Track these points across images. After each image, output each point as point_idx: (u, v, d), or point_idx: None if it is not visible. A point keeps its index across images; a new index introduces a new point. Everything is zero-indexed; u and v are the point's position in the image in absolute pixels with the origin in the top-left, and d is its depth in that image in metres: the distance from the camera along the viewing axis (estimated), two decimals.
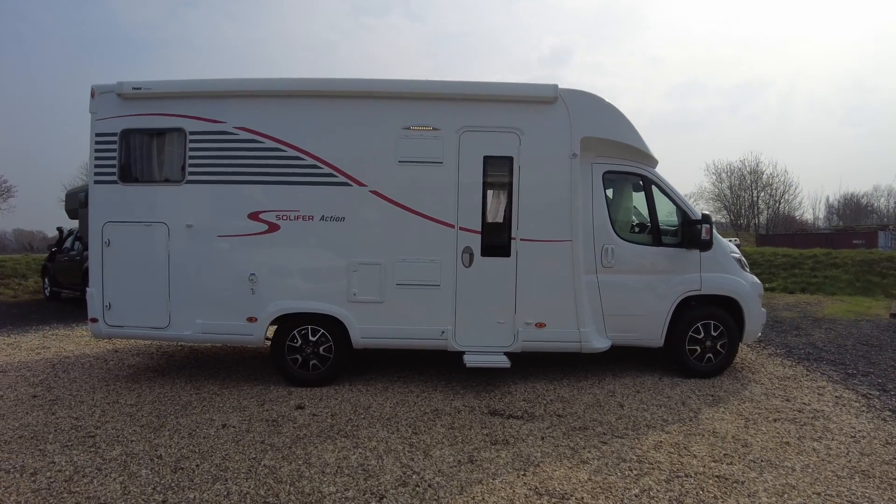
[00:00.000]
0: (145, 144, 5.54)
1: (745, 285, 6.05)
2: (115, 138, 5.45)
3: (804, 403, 5.18)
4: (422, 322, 5.42)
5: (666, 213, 6.06)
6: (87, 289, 5.54)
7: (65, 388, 5.50)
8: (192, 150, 5.38)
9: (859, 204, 55.27)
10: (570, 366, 6.27)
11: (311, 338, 5.45)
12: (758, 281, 6.26)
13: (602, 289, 5.70)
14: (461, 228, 5.39)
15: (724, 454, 3.99)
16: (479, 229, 5.41)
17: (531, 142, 5.41)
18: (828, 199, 49.80)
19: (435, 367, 6.25)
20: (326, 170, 5.33)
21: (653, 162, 6.12)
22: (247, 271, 5.37)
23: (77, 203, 9.24)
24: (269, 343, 5.54)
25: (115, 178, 5.46)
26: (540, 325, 5.49)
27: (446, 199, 5.39)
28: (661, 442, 4.22)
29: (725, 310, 5.96)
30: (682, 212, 5.93)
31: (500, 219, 5.48)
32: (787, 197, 35.57)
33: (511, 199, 5.44)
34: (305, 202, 5.35)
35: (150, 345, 7.51)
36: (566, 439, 4.24)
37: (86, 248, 8.38)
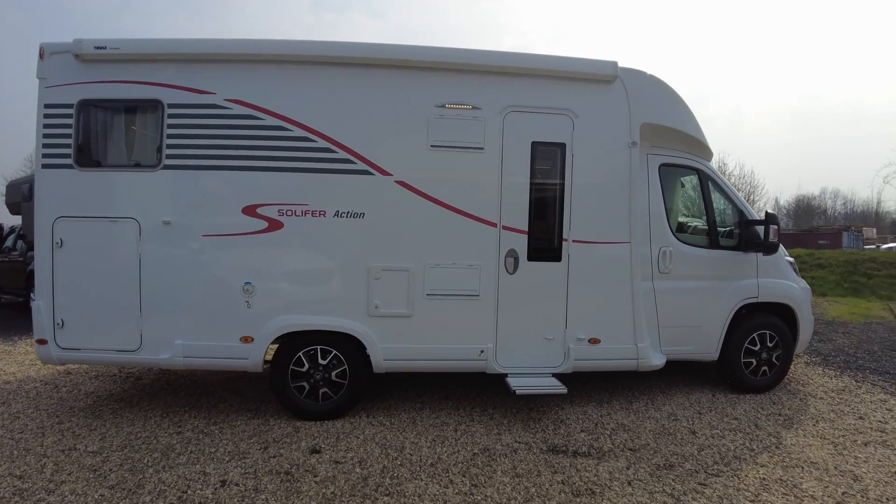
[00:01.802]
0: (110, 120, 4.40)
1: (799, 291, 5.51)
2: (71, 111, 4.29)
3: (881, 421, 4.80)
4: (457, 340, 4.53)
5: (719, 213, 5.42)
6: (33, 300, 4.37)
7: (3, 430, 4.30)
8: (171, 127, 4.29)
9: (810, 205, 57.65)
10: (604, 381, 5.51)
11: (320, 361, 4.46)
12: (808, 286, 5.72)
13: (658, 297, 4.98)
14: (504, 228, 4.53)
15: (843, 492, 3.48)
16: (526, 229, 4.56)
17: (586, 127, 4.61)
18: (777, 202, 51.68)
19: (460, 387, 5.36)
20: (342, 154, 4.35)
21: (709, 154, 5.45)
22: (241, 280, 4.33)
23: (20, 196, 7.96)
24: (267, 366, 4.52)
25: (69, 161, 4.30)
26: (594, 341, 4.70)
27: (487, 193, 4.51)
28: (764, 479, 3.63)
29: (779, 318, 5.40)
30: (739, 211, 5.29)
31: (550, 217, 4.65)
32: (753, 198, 36.52)
33: (563, 193, 4.62)
34: (316, 194, 4.35)
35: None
36: (658, 483, 3.49)
37: (30, 247, 7.09)
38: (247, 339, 4.35)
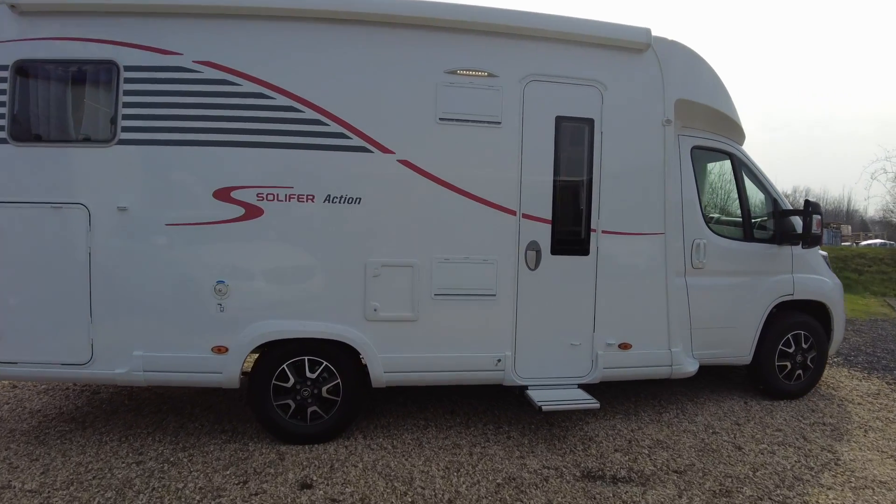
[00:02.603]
0: (54, 85, 3.64)
1: (833, 287, 5.04)
2: (6, 74, 3.52)
3: None
4: (470, 347, 3.90)
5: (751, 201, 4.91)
6: None
7: None
8: (128, 94, 3.55)
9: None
10: (623, 389, 4.94)
11: (309, 374, 3.77)
12: (839, 281, 5.26)
13: (691, 295, 4.42)
14: (525, 216, 3.91)
15: None
16: (550, 218, 3.95)
17: (616, 101, 4.02)
18: None
19: (465, 399, 4.72)
20: (335, 127, 3.67)
21: (741, 138, 4.93)
22: (212, 278, 3.62)
23: None
24: (245, 379, 3.82)
25: (2, 135, 3.53)
26: (624, 347, 4.12)
27: (505, 175, 3.88)
28: None
29: (812, 316, 4.95)
30: (773, 200, 4.78)
31: (576, 204, 4.05)
32: None
33: (591, 176, 4.02)
34: (303, 175, 3.66)
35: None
36: None
37: None
38: (220, 350, 3.64)
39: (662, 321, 4.19)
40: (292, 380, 3.76)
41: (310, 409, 3.79)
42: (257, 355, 3.82)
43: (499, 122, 3.85)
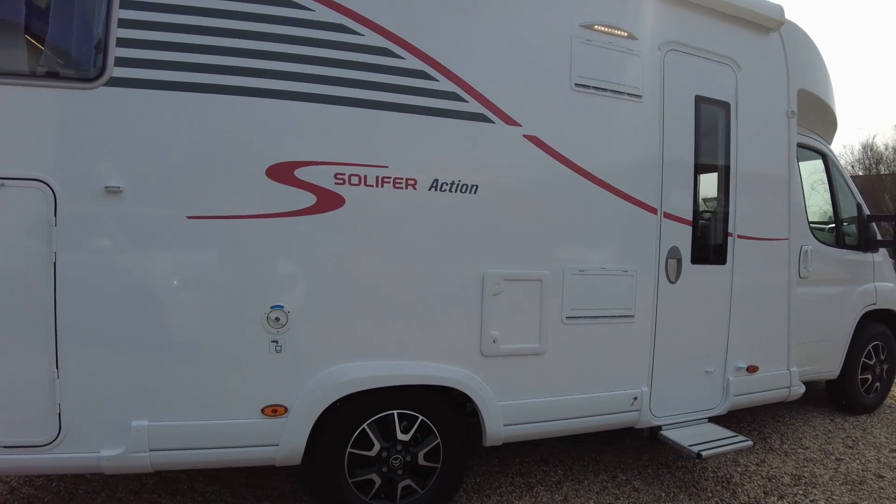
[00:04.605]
0: None
1: None
2: None
3: None
4: (602, 385, 3.00)
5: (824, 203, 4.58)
6: None
7: None
8: (127, 5, 2.18)
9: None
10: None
11: (400, 434, 2.64)
12: None
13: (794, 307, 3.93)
14: (666, 215, 3.11)
15: None
16: (690, 219, 3.19)
17: (748, 84, 3.38)
18: None
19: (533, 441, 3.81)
20: (446, 84, 2.58)
21: (830, 138, 4.58)
22: (263, 302, 2.36)
23: None
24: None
25: None
26: (752, 370, 3.49)
27: (646, 162, 3.05)
28: None
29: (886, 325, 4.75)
30: (858, 203, 4.48)
31: (714, 203, 3.34)
32: None
33: (728, 170, 3.32)
34: (401, 149, 2.53)
35: None
36: None
37: None
38: (275, 410, 2.39)
39: (783, 338, 3.63)
40: (377, 445, 2.60)
41: (401, 485, 2.65)
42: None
43: (639, 96, 3.00)
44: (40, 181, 2.11)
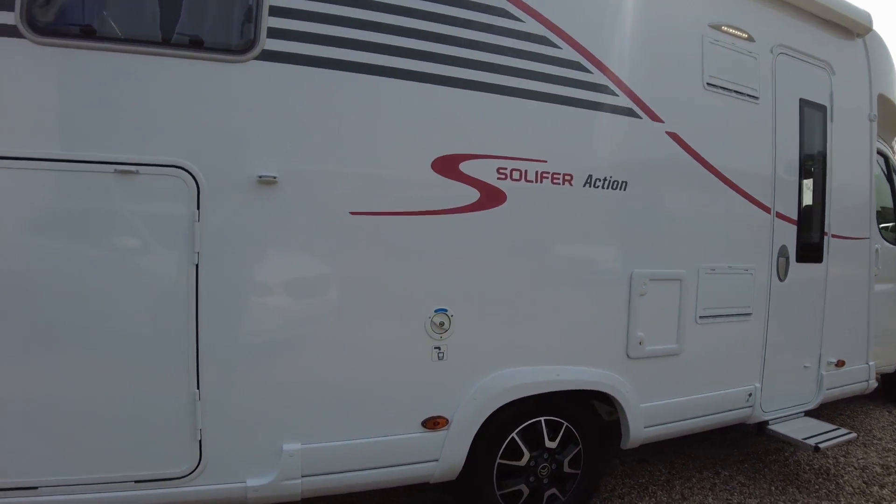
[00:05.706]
0: None
1: None
2: None
3: None
4: (723, 382, 3.00)
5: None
6: None
7: None
8: None
9: None
10: None
11: (548, 441, 2.52)
12: None
13: None
14: (778, 215, 3.14)
15: None
16: (796, 218, 3.24)
17: (840, 88, 3.46)
18: None
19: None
20: (599, 77, 2.47)
21: (892, 137, 4.79)
22: (427, 305, 2.18)
23: None
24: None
25: (9, 19, 1.67)
26: (840, 364, 3.59)
27: (762, 162, 3.07)
28: None
29: None
30: None
31: (815, 203, 3.40)
32: None
33: (826, 172, 3.40)
34: (559, 143, 2.41)
35: None
36: None
37: None
38: (436, 423, 2.22)
39: (864, 332, 3.77)
40: (526, 454, 2.46)
41: (547, 493, 2.53)
42: None
43: (757, 98, 3.01)
44: (181, 168, 1.84)
